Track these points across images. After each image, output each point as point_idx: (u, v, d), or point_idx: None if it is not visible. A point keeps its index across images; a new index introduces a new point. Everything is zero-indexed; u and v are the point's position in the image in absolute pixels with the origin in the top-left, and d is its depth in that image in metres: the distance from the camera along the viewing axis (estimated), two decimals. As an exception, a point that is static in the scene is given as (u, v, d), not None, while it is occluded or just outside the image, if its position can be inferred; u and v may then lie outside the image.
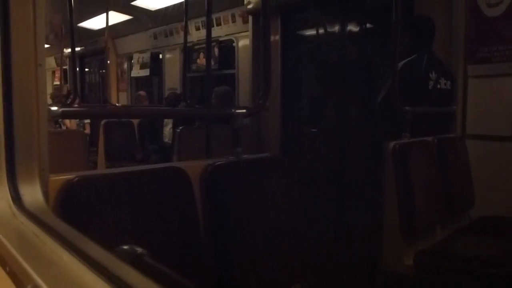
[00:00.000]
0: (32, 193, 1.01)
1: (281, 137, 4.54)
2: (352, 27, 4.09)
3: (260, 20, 1.95)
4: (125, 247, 0.72)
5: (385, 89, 2.92)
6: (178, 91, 5.96)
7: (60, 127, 5.41)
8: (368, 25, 4.04)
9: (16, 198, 0.99)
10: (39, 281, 0.68)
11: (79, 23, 6.56)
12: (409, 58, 2.92)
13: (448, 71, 3.01)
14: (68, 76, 8.63)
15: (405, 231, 2.38)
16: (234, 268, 1.58)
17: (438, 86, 2.94)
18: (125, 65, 7.70)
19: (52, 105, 1.27)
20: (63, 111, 1.24)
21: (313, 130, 4.46)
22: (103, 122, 5.16)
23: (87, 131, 6.01)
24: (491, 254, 2.24)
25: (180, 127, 4.07)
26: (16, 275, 0.75)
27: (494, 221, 2.69)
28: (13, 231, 0.90)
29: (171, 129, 5.03)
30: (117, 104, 7.47)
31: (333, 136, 4.15)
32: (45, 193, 1.09)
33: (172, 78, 6.51)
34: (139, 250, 0.71)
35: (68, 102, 4.60)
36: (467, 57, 3.00)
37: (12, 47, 1.07)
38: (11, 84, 1.07)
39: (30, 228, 0.85)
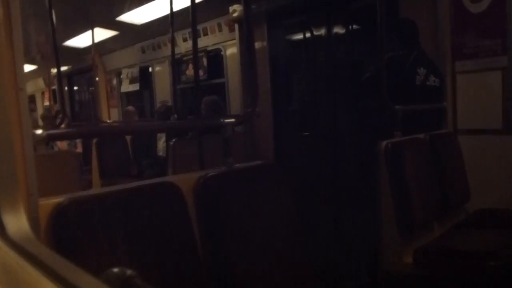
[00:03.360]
0: (17, 222, 0.99)
1: (274, 143, 4.53)
2: (339, 29, 4.10)
3: (243, 28, 1.94)
4: (115, 269, 0.70)
5: (370, 74, 2.95)
6: (170, 104, 5.94)
7: (52, 148, 5.37)
8: (354, 27, 4.06)
9: (0, 228, 0.97)
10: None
11: (64, 41, 6.54)
12: (397, 53, 2.94)
13: (437, 69, 3.04)
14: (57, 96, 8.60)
15: (403, 229, 2.38)
16: (232, 280, 1.57)
17: (427, 82, 2.95)
18: (114, 81, 7.68)
19: (36, 128, 1.25)
20: (48, 134, 1.23)
21: (306, 133, 4.46)
22: (95, 140, 5.12)
23: (79, 149, 5.97)
24: (490, 247, 2.24)
25: (173, 140, 4.05)
26: (2, 308, 0.73)
27: (490, 214, 2.70)
28: (-3, 263, 0.89)
29: (165, 143, 5.01)
30: (108, 121, 7.44)
31: (326, 138, 4.15)
32: (34, 219, 1.08)
33: (163, 91, 6.50)
34: (129, 272, 0.70)
35: (57, 123, 4.56)
36: (454, 54, 3.02)
37: None
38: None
39: (15, 259, 0.83)
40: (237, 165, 1.81)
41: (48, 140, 1.28)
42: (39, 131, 1.22)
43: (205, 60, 5.62)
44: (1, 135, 1.03)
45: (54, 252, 0.82)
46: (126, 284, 0.67)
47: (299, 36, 4.63)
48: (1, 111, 1.04)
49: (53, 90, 8.30)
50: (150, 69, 6.87)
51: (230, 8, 4.65)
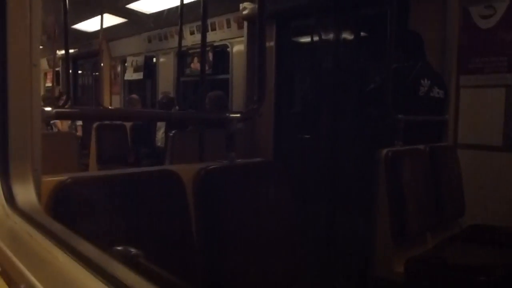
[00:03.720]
0: (26, 193, 1.00)
1: (275, 142, 4.55)
2: (347, 35, 4.12)
3: (256, 26, 1.94)
4: (119, 248, 0.72)
5: (375, 85, 2.96)
6: (172, 95, 5.95)
7: (52, 129, 5.36)
8: (362, 33, 4.07)
9: (10, 198, 0.98)
10: (33, 280, 0.67)
11: (73, 25, 6.53)
12: (402, 64, 2.95)
13: (443, 81, 3.05)
14: (60, 78, 8.58)
15: (396, 238, 2.39)
16: (226, 271, 1.58)
17: (431, 94, 2.97)
18: (119, 68, 7.68)
19: (45, 106, 1.26)
20: (56, 112, 1.24)
21: (307, 136, 4.48)
22: (95, 124, 5.12)
23: (79, 133, 5.97)
24: (481, 261, 2.26)
25: (173, 131, 4.05)
26: (9, 275, 0.74)
27: (484, 229, 2.71)
28: (7, 231, 0.90)
29: (164, 133, 5.02)
30: (110, 107, 7.44)
31: (326, 142, 4.17)
32: (38, 194, 1.09)
33: (166, 82, 6.50)
34: (134, 251, 0.71)
35: (60, 104, 4.57)
36: (460, 67, 3.04)
37: (8, 46, 1.07)
38: (6, 84, 1.06)
39: (24, 227, 0.85)
40: (239, 160, 1.82)
41: (56, 118, 1.30)
42: (48, 109, 1.23)
43: (211, 55, 5.62)
44: (14, 110, 1.05)
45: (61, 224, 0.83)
46: (131, 262, 0.68)
47: (306, 39, 4.64)
48: (16, 87, 1.05)
49: (56, 72, 8.29)
50: (155, 60, 6.87)
51: (241, 5, 4.66)
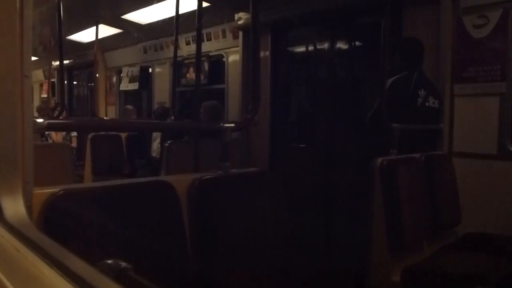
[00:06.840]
0: (15, 206, 0.99)
1: (270, 151, 4.54)
2: (342, 45, 4.14)
3: (250, 36, 1.95)
4: (109, 261, 0.71)
5: (374, 108, 2.95)
6: (168, 106, 5.94)
7: (47, 140, 5.34)
8: (357, 43, 4.09)
9: None
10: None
11: (68, 35, 6.53)
12: (399, 75, 2.96)
13: (437, 90, 3.06)
14: (55, 89, 8.56)
15: (393, 247, 2.38)
16: (221, 283, 1.56)
17: (427, 104, 2.98)
18: (114, 79, 7.67)
19: (38, 117, 1.25)
20: (48, 123, 1.23)
21: (302, 145, 4.48)
22: (90, 135, 5.10)
23: (74, 144, 5.94)
24: (478, 270, 2.25)
25: (169, 142, 4.04)
26: (-6, 290, 0.73)
27: (480, 237, 2.71)
28: (-7, 245, 0.88)
29: (159, 144, 5.00)
30: (105, 118, 7.41)
31: (321, 152, 4.17)
32: (29, 207, 1.07)
33: (162, 92, 6.50)
34: (123, 264, 0.70)
35: (55, 115, 4.56)
36: (454, 77, 3.05)
37: None
38: (-4, 95, 1.05)
39: (11, 242, 0.83)
40: (233, 170, 1.81)
41: (48, 129, 1.28)
42: (40, 120, 1.22)
43: (206, 65, 5.63)
44: (5, 121, 1.03)
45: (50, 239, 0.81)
46: (120, 276, 0.67)
47: (302, 48, 4.66)
48: (6, 97, 1.04)
49: (52, 83, 8.27)
50: (150, 70, 6.88)
51: (236, 15, 4.68)
